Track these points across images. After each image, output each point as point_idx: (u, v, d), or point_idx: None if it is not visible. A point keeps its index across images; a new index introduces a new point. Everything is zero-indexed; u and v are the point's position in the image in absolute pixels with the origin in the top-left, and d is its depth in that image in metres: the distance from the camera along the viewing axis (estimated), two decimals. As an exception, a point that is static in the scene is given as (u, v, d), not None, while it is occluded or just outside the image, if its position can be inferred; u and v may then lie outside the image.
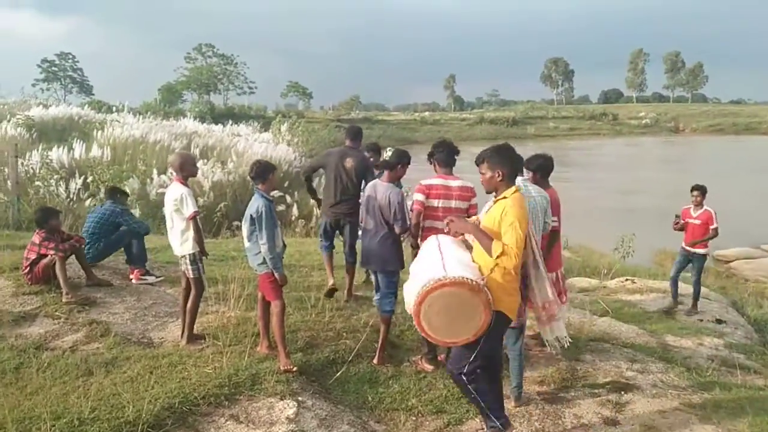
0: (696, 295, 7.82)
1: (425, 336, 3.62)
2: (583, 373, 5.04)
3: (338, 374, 4.64)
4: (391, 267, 4.98)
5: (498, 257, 3.43)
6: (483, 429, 3.86)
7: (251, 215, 4.52)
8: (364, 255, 5.11)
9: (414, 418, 4.15)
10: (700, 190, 7.66)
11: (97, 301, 5.91)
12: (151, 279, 6.69)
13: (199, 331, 5.27)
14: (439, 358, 5.02)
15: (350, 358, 4.86)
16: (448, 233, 3.83)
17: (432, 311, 3.39)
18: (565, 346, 4.58)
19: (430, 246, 3.83)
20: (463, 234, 3.77)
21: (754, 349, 6.61)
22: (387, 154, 5.11)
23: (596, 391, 4.69)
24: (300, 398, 4.15)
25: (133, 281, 6.61)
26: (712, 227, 7.52)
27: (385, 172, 5.06)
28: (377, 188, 4.98)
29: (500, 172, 3.64)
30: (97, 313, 5.64)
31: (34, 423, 3.54)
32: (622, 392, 4.66)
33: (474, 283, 3.35)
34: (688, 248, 7.76)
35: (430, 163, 5.05)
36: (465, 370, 3.57)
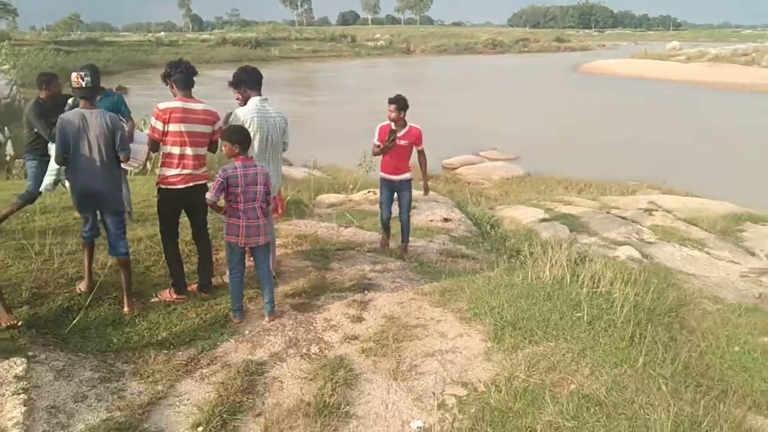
0: (406, 237, 6.54)
1: None
2: (331, 280, 5.38)
3: (75, 321, 4.24)
4: (120, 206, 4.53)
5: None
6: None
7: None
8: (82, 196, 4.41)
9: (166, 351, 4.02)
10: (400, 103, 6.04)
11: None
12: None
13: None
14: (190, 288, 4.90)
15: (88, 302, 4.47)
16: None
17: None
18: None
19: None
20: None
21: (472, 240, 7.70)
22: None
23: (343, 294, 5.05)
24: (30, 353, 3.70)
25: None
26: (419, 148, 6.24)
27: (82, 101, 4.36)
28: (87, 116, 4.28)
29: None
30: None
31: None
32: (366, 291, 5.11)
33: None
34: (391, 177, 6.28)
35: (166, 84, 4.67)
36: None
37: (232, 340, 4.22)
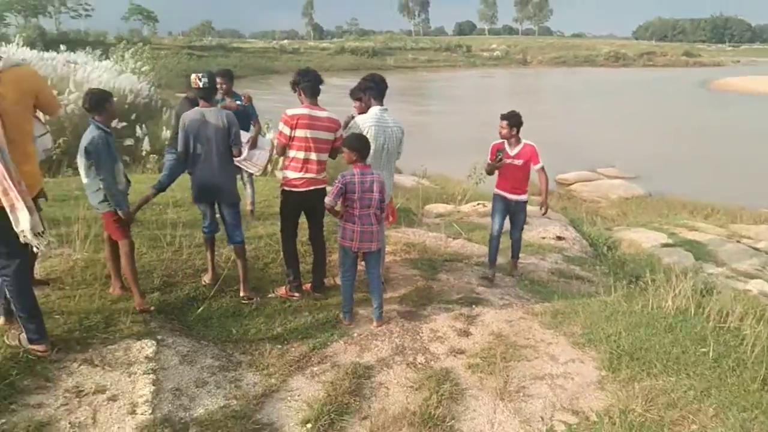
0: (517, 253, 6.30)
1: None
2: (438, 291, 5.37)
3: (200, 310, 4.54)
4: (236, 198, 4.85)
5: None
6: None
7: (85, 147, 4.13)
8: (200, 189, 4.75)
9: (280, 346, 4.20)
10: (512, 119, 5.69)
11: None
12: None
13: (42, 276, 4.86)
14: (304, 287, 5.08)
15: (212, 293, 4.78)
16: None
17: None
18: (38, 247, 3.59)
19: None
20: None
21: (587, 261, 7.40)
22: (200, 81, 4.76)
23: (450, 306, 5.03)
24: (159, 337, 4.03)
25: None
26: (537, 167, 5.71)
27: (201, 100, 4.70)
28: (206, 114, 4.61)
29: None
30: None
31: None
32: (474, 306, 5.05)
33: None
34: (507, 195, 5.89)
35: (295, 92, 4.90)
36: None
37: (342, 342, 4.33)
